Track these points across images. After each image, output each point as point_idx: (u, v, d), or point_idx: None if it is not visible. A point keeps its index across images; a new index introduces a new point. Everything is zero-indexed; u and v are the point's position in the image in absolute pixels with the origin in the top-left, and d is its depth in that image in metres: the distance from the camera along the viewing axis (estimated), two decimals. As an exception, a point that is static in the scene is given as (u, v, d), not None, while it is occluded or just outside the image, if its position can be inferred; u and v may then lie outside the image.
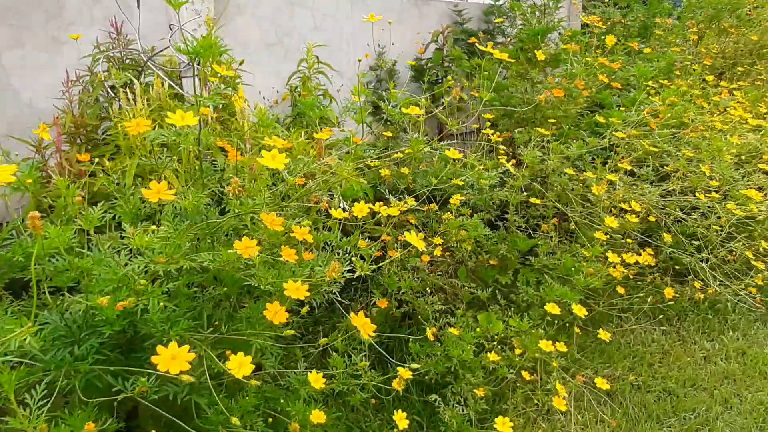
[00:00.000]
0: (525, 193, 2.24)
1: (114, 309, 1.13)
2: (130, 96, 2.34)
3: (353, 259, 1.32)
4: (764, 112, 3.29)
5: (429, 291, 2.08)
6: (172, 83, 2.48)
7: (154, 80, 2.51)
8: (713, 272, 2.35)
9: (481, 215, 2.46)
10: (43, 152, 2.38)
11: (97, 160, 2.34)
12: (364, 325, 1.20)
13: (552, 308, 1.72)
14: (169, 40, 2.48)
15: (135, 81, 2.30)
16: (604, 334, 1.83)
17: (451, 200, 2.05)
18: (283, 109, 3.86)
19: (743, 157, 2.77)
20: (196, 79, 2.54)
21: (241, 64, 2.91)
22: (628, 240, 2.11)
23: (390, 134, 2.72)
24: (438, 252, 2.02)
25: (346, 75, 4.25)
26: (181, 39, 2.82)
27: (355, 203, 1.42)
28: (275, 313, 1.23)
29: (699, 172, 2.34)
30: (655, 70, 3.20)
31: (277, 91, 3.82)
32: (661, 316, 2.28)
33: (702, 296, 2.38)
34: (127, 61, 2.68)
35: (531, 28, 2.72)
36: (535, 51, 2.51)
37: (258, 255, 1.22)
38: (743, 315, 2.41)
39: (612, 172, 2.28)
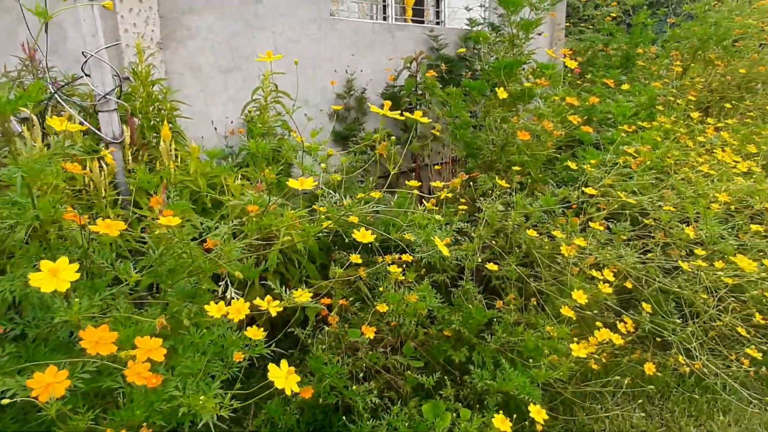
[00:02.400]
0: (483, 255, 1.89)
1: None
2: (27, 134, 1.99)
3: (201, 399, 0.95)
4: (754, 152, 2.98)
5: (363, 376, 1.72)
6: (82, 120, 2.13)
7: (65, 115, 2.17)
8: (700, 342, 2.01)
9: (436, 277, 2.11)
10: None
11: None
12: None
13: (501, 423, 1.36)
14: (82, 69, 2.13)
15: (33, 117, 1.96)
16: (568, 442, 1.47)
17: (391, 269, 1.70)
18: (238, 141, 3.52)
19: (733, 207, 2.44)
20: (115, 114, 2.20)
21: (166, 93, 2.55)
22: (598, 323, 1.76)
23: (339, 178, 2.37)
24: (371, 334, 1.66)
25: (312, 103, 3.92)
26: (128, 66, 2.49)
27: (239, 299, 1.07)
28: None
29: (682, 233, 2.01)
30: (636, 106, 2.89)
31: (232, 122, 3.48)
32: (640, 401, 1.93)
33: (688, 370, 2.04)
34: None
35: (497, 61, 2.41)
36: (496, 88, 2.19)
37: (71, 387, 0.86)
38: (735, 393, 2.05)
39: (582, 231, 1.95)
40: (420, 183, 4.37)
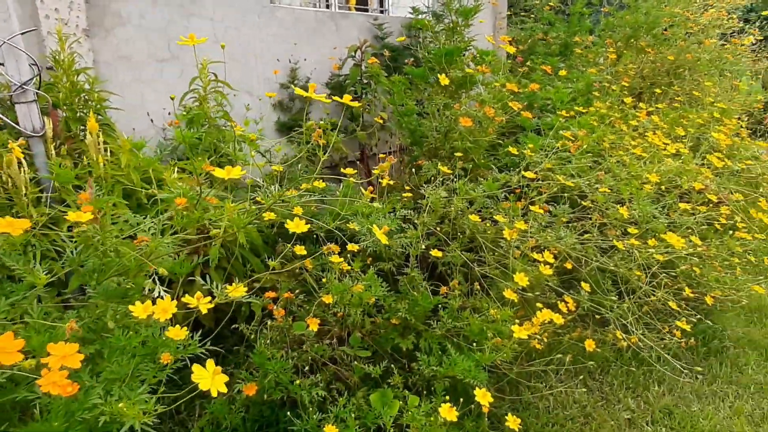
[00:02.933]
0: (428, 242, 1.88)
1: None
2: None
3: (120, 406, 0.89)
4: (682, 135, 3.13)
5: (309, 369, 1.68)
6: (-3, 113, 1.96)
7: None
8: (636, 317, 2.09)
9: (383, 265, 2.09)
10: None
11: None
12: None
13: (447, 413, 1.35)
14: (-6, 59, 1.96)
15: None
16: (512, 421, 1.49)
17: (332, 258, 1.66)
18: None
19: (663, 187, 2.55)
20: (34, 105, 2.03)
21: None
22: (538, 305, 1.79)
23: (280, 168, 2.31)
24: (314, 327, 1.62)
25: (255, 93, 3.79)
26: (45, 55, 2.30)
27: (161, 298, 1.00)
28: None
29: (617, 213, 2.07)
30: (573, 92, 2.96)
31: (169, 113, 3.32)
32: (581, 376, 1.99)
33: (625, 344, 2.12)
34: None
35: (438, 49, 2.39)
36: (438, 75, 2.18)
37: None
38: (668, 364, 2.15)
39: (524, 215, 1.97)
40: (368, 172, 4.29)
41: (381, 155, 3.22)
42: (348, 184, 2.63)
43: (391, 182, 1.74)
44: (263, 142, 3.11)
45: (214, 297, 1.07)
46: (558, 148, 2.17)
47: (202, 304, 1.02)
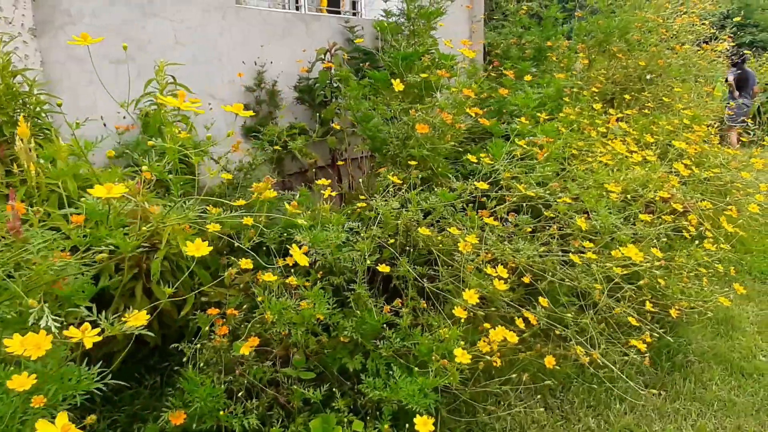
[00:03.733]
0: (379, 256, 1.78)
1: None
2: None
3: None
4: (651, 141, 3.07)
5: (245, 394, 1.56)
6: None
7: None
8: (598, 332, 2.00)
9: (333, 279, 1.98)
10: None
11: None
12: None
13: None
14: None
15: None
16: (457, 451, 1.39)
17: (265, 276, 1.55)
18: (132, 140, 3.22)
19: (629, 196, 2.47)
20: (-42, 110, 1.89)
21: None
22: (486, 325, 1.69)
23: (230, 176, 2.19)
24: (246, 350, 1.51)
25: (218, 96, 3.66)
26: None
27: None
28: None
29: (576, 226, 1.98)
30: (543, 97, 2.88)
31: (124, 117, 3.17)
32: (540, 395, 1.90)
33: (587, 360, 2.03)
34: None
35: (396, 52, 2.30)
36: (393, 81, 2.09)
37: None
38: (631, 380, 2.06)
39: (481, 227, 1.87)
40: (339, 178, 4.17)
41: (339, 162, 3.11)
42: (305, 192, 2.51)
43: (330, 194, 1.64)
44: (219, 147, 2.98)
45: (103, 329, 0.95)
46: (518, 156, 2.08)
47: (87, 337, 0.90)
